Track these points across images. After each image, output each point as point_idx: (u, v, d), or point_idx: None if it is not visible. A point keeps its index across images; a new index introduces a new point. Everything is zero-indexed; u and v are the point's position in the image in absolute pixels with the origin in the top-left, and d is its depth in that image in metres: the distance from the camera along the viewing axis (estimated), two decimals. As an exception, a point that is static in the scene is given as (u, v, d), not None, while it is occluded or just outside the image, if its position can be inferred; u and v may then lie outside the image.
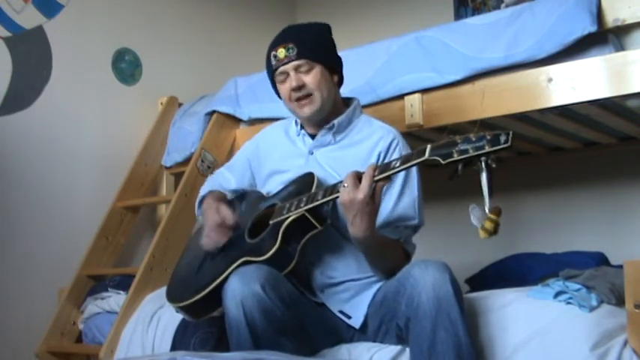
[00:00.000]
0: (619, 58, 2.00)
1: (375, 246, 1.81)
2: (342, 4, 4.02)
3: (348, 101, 2.09)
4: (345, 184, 1.70)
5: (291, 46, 1.97)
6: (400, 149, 1.97)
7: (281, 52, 1.98)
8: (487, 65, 2.21)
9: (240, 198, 2.12)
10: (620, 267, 1.75)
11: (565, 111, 2.28)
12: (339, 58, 2.08)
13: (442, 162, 1.55)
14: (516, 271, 2.59)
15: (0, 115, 2.82)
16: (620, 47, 2.04)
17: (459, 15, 3.58)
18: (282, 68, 1.98)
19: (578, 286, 1.85)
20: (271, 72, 2.03)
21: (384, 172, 1.68)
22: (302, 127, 2.07)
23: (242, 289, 1.68)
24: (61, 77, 3.01)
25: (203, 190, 2.20)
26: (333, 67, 2.04)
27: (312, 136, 2.05)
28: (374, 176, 1.68)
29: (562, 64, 2.09)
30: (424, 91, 2.36)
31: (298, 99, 1.97)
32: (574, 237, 3.03)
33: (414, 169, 1.94)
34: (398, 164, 1.66)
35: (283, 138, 2.13)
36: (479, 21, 2.30)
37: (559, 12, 2.08)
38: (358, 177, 1.70)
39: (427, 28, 2.40)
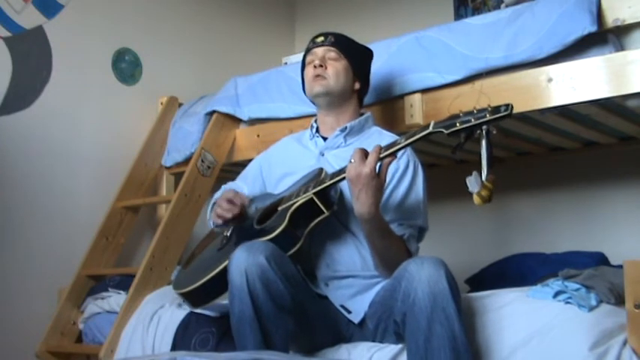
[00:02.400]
0: (619, 58, 2.00)
1: (378, 229, 1.83)
2: (342, 5, 4.03)
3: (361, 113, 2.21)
4: (352, 160, 1.76)
5: (330, 37, 2.18)
6: (408, 155, 2.03)
7: (320, 38, 2.19)
8: (487, 65, 2.21)
9: (251, 200, 2.14)
10: (620, 267, 1.75)
11: (565, 111, 2.28)
12: (368, 75, 2.24)
13: (445, 132, 1.66)
14: (516, 271, 2.59)
15: (0, 115, 2.82)
16: (620, 47, 2.04)
17: (459, 15, 3.58)
18: (314, 49, 2.17)
19: (577, 286, 1.85)
20: (304, 56, 2.20)
21: (389, 148, 1.76)
22: (317, 130, 2.17)
23: (247, 258, 1.71)
24: (61, 77, 3.01)
25: (217, 194, 2.25)
26: (359, 73, 2.18)
27: (325, 140, 2.14)
28: (380, 152, 1.75)
29: (562, 64, 2.09)
30: (424, 91, 2.37)
31: (315, 76, 2.11)
32: (574, 237, 3.03)
33: (420, 175, 2.02)
34: (403, 140, 1.74)
35: (295, 145, 2.23)
36: (479, 21, 2.30)
37: (559, 12, 2.08)
38: (365, 153, 1.77)
39: (427, 28, 2.40)
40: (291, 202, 1.87)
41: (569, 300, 1.79)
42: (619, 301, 1.81)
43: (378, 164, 1.76)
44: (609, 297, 1.82)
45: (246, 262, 1.71)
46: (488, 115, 1.60)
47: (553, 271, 2.13)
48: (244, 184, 2.25)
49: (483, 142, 1.61)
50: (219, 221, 2.02)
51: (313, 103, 2.23)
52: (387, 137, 2.11)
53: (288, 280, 1.75)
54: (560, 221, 3.13)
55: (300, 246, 1.84)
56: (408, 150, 2.04)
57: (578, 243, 2.84)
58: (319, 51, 2.15)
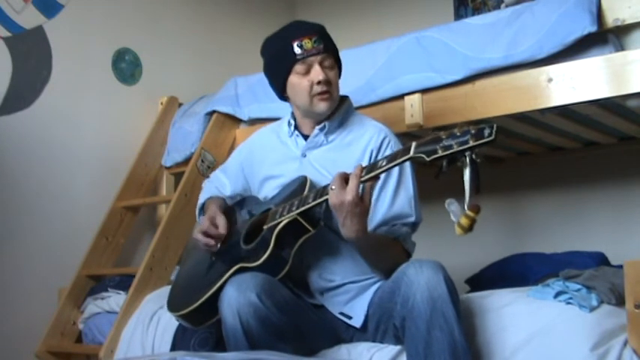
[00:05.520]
0: (619, 58, 2.00)
1: (369, 246, 1.80)
2: (342, 4, 4.02)
3: (340, 100, 2.06)
4: (333, 187, 1.68)
5: (316, 38, 1.95)
6: (392, 147, 1.96)
7: (307, 43, 1.93)
8: (487, 65, 2.21)
9: (239, 204, 2.12)
10: (620, 267, 1.75)
11: (565, 111, 2.28)
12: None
13: (427, 159, 1.53)
14: (516, 271, 2.59)
15: (0, 115, 2.82)
16: (620, 47, 2.04)
17: (459, 15, 3.58)
18: (309, 59, 1.93)
19: (578, 286, 1.85)
20: (290, 62, 1.95)
21: (370, 172, 1.66)
22: (296, 128, 2.06)
23: (238, 298, 1.69)
24: (61, 77, 3.01)
25: (202, 197, 2.21)
26: (341, 72, 2.05)
27: (305, 138, 2.05)
28: (361, 177, 1.66)
29: (562, 64, 2.09)
30: (424, 91, 2.36)
31: (321, 93, 1.94)
32: (574, 237, 3.03)
33: (408, 167, 1.94)
34: (385, 163, 1.64)
35: (275, 141, 2.12)
36: (479, 21, 2.30)
37: (559, 12, 2.08)
38: (345, 178, 1.68)
39: (427, 28, 2.40)
40: (276, 222, 1.80)
41: (570, 300, 1.79)
42: (620, 301, 1.81)
43: (361, 187, 1.68)
44: (610, 297, 1.82)
45: (237, 302, 1.69)
46: (471, 141, 1.45)
47: (553, 271, 2.13)
48: (226, 180, 2.19)
49: (467, 170, 1.47)
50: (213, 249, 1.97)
51: (286, 102, 2.09)
52: (369, 128, 2.01)
53: (281, 310, 1.72)
54: (561, 221, 3.13)
55: (288, 269, 1.80)
56: (392, 141, 1.97)
57: (578, 243, 2.84)
58: (314, 61, 1.94)
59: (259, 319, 1.68)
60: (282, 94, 2.05)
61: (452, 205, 1.52)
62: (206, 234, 1.93)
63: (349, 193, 1.65)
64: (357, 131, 2.01)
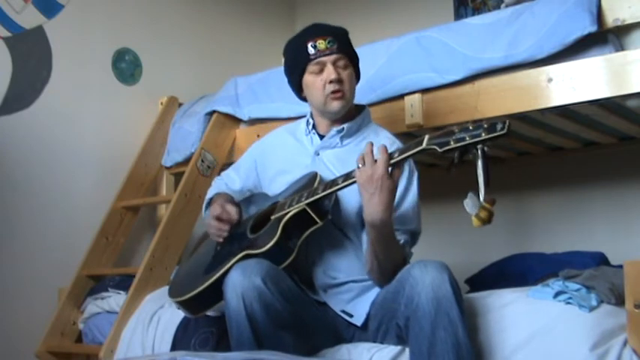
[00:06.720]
0: (619, 58, 2.00)
1: (386, 236, 1.78)
2: (342, 4, 4.03)
3: (358, 107, 2.12)
4: (360, 165, 1.71)
5: (330, 39, 2.00)
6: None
7: (321, 44, 1.99)
8: (487, 65, 2.21)
9: (246, 201, 2.13)
10: (620, 267, 1.75)
11: (565, 111, 2.28)
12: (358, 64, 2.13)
13: (439, 150, 1.59)
14: (516, 271, 2.59)
15: (0, 115, 2.82)
16: (620, 47, 2.04)
17: (459, 15, 3.59)
18: (322, 59, 1.99)
19: (577, 286, 1.85)
20: (304, 62, 2.01)
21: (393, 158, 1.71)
22: (314, 127, 2.10)
23: (243, 281, 1.70)
24: (61, 77, 3.01)
25: (210, 193, 2.23)
26: (358, 69, 2.09)
27: (321, 137, 2.08)
28: (389, 157, 1.70)
29: (562, 64, 2.10)
30: (424, 91, 2.37)
31: (334, 91, 1.98)
32: (574, 237, 3.03)
33: (415, 178, 1.97)
34: (397, 154, 1.70)
35: (290, 139, 2.16)
36: (479, 21, 2.30)
37: (559, 12, 2.08)
38: (372, 155, 1.71)
39: (427, 28, 2.40)
40: (284, 212, 1.82)
41: (570, 300, 1.79)
42: (619, 301, 1.81)
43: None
44: (610, 297, 1.82)
45: (242, 285, 1.69)
46: (483, 134, 1.52)
47: (553, 271, 2.13)
48: (237, 176, 2.22)
49: (479, 162, 1.53)
50: (220, 240, 2.00)
51: (305, 102, 2.14)
52: (383, 139, 2.05)
53: (285, 298, 1.73)
54: (561, 221, 3.13)
55: (293, 258, 1.81)
56: None
57: (579, 243, 2.84)
58: (327, 61, 1.99)
59: (263, 303, 1.69)
60: (300, 93, 2.10)
61: (470, 198, 1.57)
62: (219, 219, 1.96)
63: (380, 167, 1.68)
64: (372, 139, 2.02)
